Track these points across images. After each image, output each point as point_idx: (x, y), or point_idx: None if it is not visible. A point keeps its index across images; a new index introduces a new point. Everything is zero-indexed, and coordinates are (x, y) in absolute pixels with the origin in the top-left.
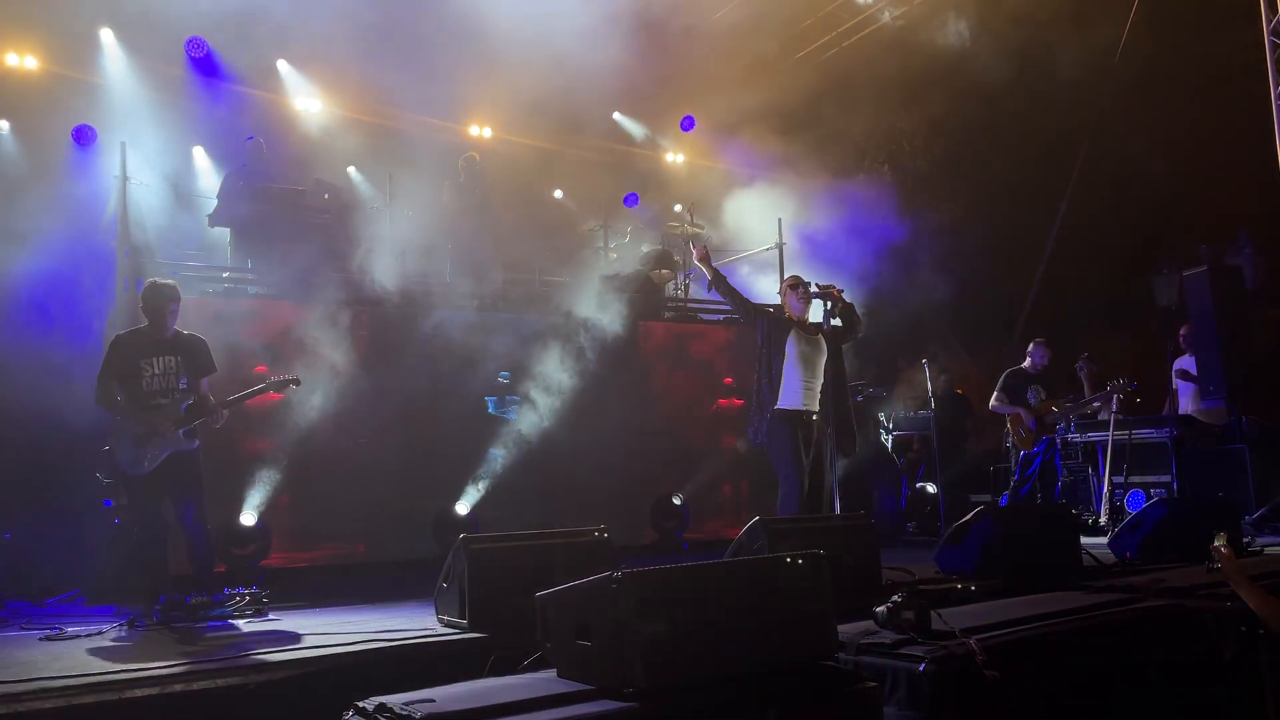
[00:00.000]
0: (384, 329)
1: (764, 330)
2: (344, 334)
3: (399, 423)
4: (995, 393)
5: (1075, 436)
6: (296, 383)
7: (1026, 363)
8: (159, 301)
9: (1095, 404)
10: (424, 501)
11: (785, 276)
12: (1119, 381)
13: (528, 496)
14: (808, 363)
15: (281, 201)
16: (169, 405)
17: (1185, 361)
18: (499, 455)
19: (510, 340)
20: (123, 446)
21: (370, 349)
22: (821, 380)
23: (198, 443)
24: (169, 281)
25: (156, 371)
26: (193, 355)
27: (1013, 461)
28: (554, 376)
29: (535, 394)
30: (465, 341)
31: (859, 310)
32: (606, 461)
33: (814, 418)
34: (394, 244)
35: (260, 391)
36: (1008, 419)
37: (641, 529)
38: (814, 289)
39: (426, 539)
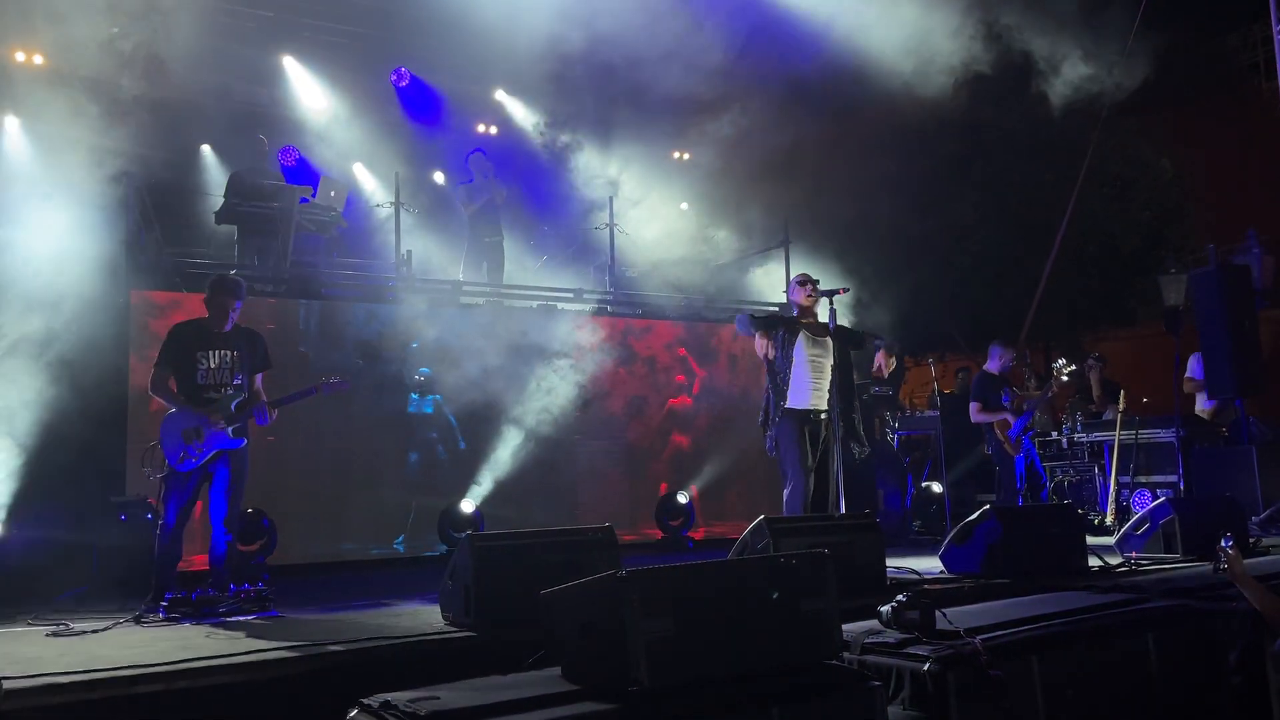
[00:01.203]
0: (391, 326)
1: (778, 338)
2: (350, 331)
3: (405, 420)
4: (972, 403)
5: (1082, 436)
6: (346, 385)
7: (993, 366)
8: (223, 297)
9: (1050, 392)
10: (429, 500)
11: (795, 274)
12: (1063, 363)
13: (533, 495)
14: (815, 363)
15: (287, 200)
16: (220, 400)
17: (1194, 361)
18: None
19: (518, 336)
20: (172, 440)
21: (376, 346)
22: (829, 380)
23: (245, 441)
24: (236, 278)
25: (211, 365)
26: (250, 350)
27: (1000, 470)
28: (560, 373)
29: (541, 389)
30: (473, 338)
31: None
32: (611, 460)
33: (821, 417)
34: (401, 242)
35: (309, 394)
36: (995, 426)
37: (647, 528)
38: (822, 288)
39: (432, 537)
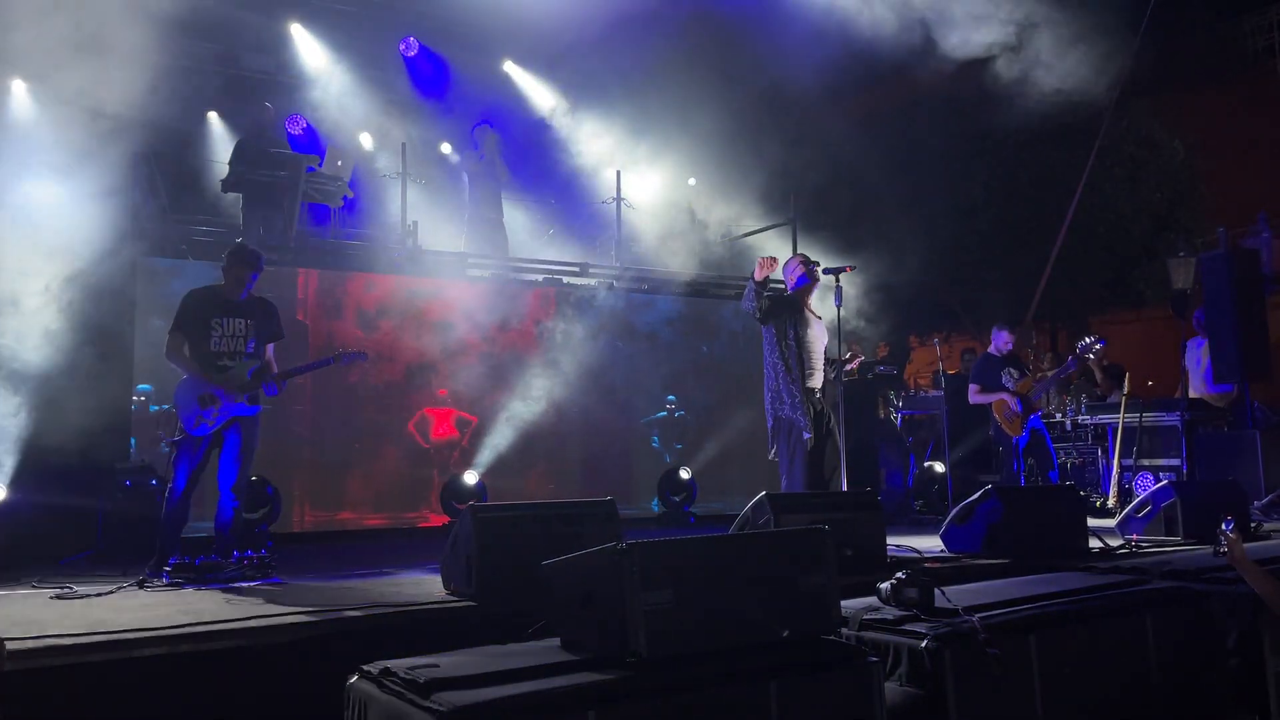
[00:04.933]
0: (396, 297)
1: (781, 320)
2: (356, 301)
3: (409, 392)
4: (970, 385)
5: (1086, 419)
6: (364, 357)
7: (992, 348)
8: (241, 268)
9: (1071, 369)
10: (433, 471)
11: (794, 254)
12: (1087, 340)
13: (537, 468)
14: (817, 343)
15: (293, 168)
16: (235, 368)
17: (1199, 344)
18: None
19: (523, 310)
20: (188, 405)
21: (381, 317)
22: (823, 358)
23: (259, 408)
24: (256, 250)
25: (226, 333)
26: (263, 319)
27: (1002, 450)
28: (564, 348)
29: (546, 365)
30: (477, 311)
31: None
32: (615, 434)
33: (820, 395)
34: (406, 212)
35: (323, 365)
36: (992, 407)
37: (649, 502)
38: (828, 266)
39: (436, 508)
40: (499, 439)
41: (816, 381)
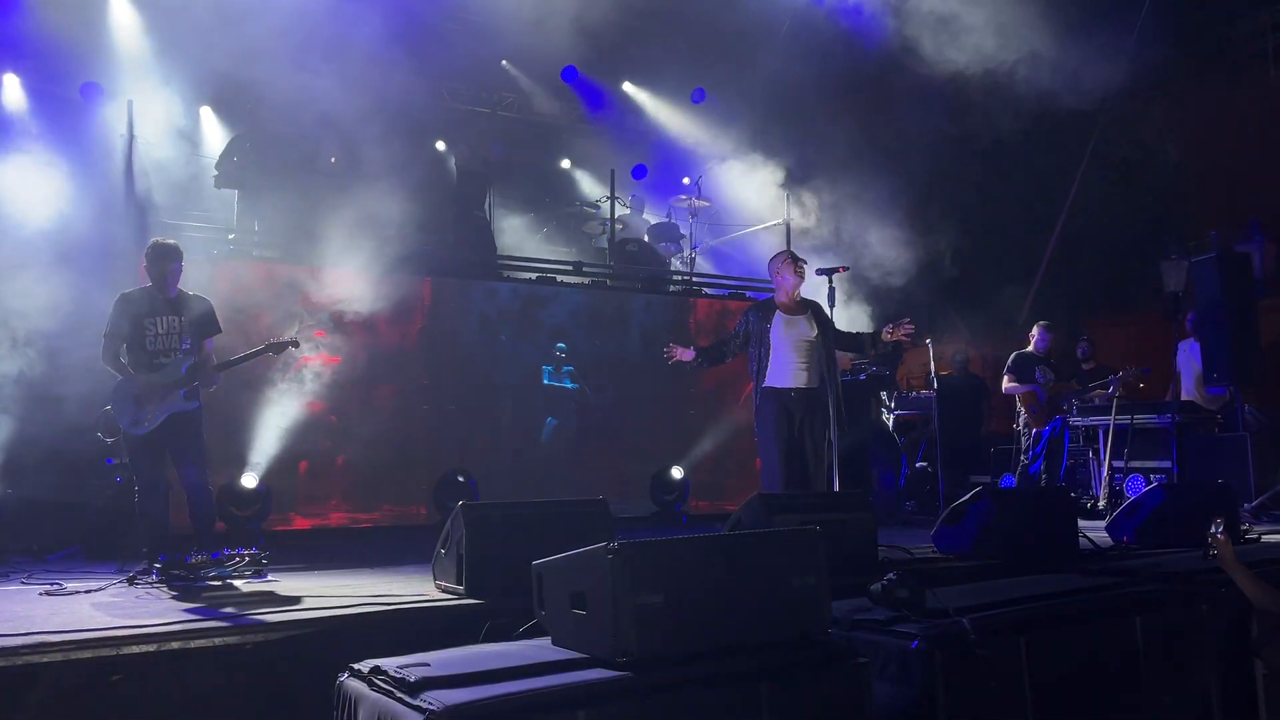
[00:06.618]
0: (387, 295)
1: (748, 326)
2: (347, 299)
3: (399, 389)
4: (1005, 375)
5: (1077, 420)
6: (295, 344)
7: (1031, 345)
8: (162, 262)
9: (1109, 390)
10: (425, 469)
11: (781, 250)
12: (1131, 369)
13: (529, 466)
14: (791, 342)
15: (289, 164)
16: (170, 365)
17: (1190, 347)
18: None
19: (513, 310)
20: (123, 406)
21: (371, 315)
22: (811, 358)
23: (198, 403)
24: (172, 242)
25: (160, 331)
26: (197, 315)
27: (1022, 442)
28: (556, 349)
29: (540, 365)
30: (467, 310)
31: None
32: (607, 433)
33: (799, 394)
34: (399, 210)
35: (258, 354)
36: (1019, 399)
37: (641, 502)
38: (821, 267)
39: (428, 505)
40: (491, 438)
41: (788, 380)
